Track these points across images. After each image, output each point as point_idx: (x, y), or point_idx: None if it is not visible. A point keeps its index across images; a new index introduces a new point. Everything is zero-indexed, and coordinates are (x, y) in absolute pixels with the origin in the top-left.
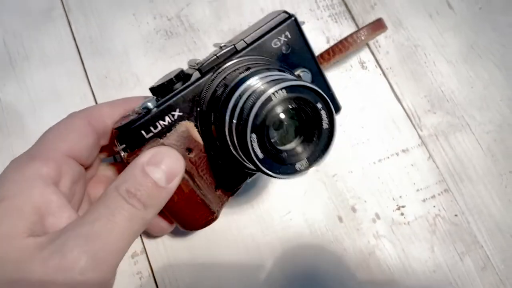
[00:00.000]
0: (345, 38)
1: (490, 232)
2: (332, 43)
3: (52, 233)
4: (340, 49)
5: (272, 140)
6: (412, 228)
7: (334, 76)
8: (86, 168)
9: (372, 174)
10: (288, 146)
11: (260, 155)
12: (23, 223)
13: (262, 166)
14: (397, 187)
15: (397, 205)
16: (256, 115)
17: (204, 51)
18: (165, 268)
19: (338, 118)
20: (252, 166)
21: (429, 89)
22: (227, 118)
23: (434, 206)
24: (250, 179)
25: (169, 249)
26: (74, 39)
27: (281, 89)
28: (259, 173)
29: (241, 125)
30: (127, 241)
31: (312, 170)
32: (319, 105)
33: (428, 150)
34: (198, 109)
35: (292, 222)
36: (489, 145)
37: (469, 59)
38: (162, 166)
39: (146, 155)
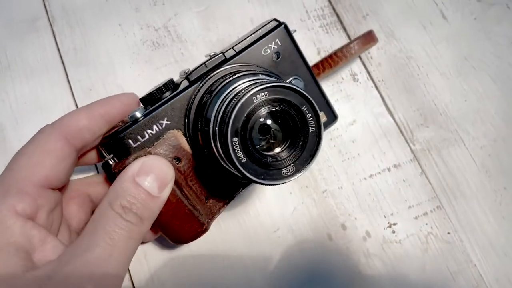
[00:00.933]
0: (335, 53)
1: (484, 251)
2: (323, 54)
3: (47, 266)
4: (330, 64)
5: (258, 146)
6: (404, 247)
7: (325, 89)
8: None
9: (363, 190)
10: (273, 151)
11: (243, 160)
12: (14, 262)
13: (245, 171)
14: (389, 203)
15: (388, 223)
16: (236, 118)
17: (192, 62)
18: (148, 286)
19: (329, 131)
20: (236, 172)
21: (422, 102)
22: (211, 124)
23: (426, 224)
24: (243, 190)
25: (152, 267)
26: (58, 50)
27: (261, 90)
28: (252, 185)
29: (223, 129)
30: (128, 260)
31: (301, 184)
32: (304, 108)
33: (421, 165)
34: (186, 117)
35: (280, 239)
36: (483, 160)
37: (463, 71)
38: (152, 175)
39: (135, 166)
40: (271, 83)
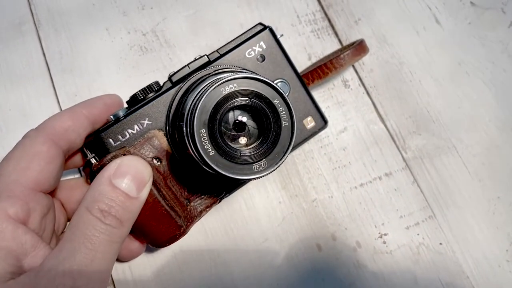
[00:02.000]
0: (325, 64)
1: (476, 262)
2: (314, 60)
3: (31, 272)
4: (319, 75)
5: (232, 142)
6: (395, 257)
7: (316, 95)
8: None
9: (353, 200)
10: (244, 145)
11: (211, 152)
12: (1, 267)
13: (213, 164)
14: (380, 213)
15: (379, 233)
16: (204, 109)
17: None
18: None
19: (319, 138)
20: (205, 167)
21: (415, 109)
22: (184, 118)
23: (418, 234)
24: (227, 195)
25: (136, 275)
26: (44, 55)
27: (230, 81)
28: (237, 190)
29: (191, 120)
30: (111, 264)
31: (290, 193)
32: (276, 101)
33: (413, 174)
34: (167, 118)
35: (268, 250)
36: (476, 169)
37: (456, 77)
38: (129, 176)
39: (111, 168)
40: (240, 73)
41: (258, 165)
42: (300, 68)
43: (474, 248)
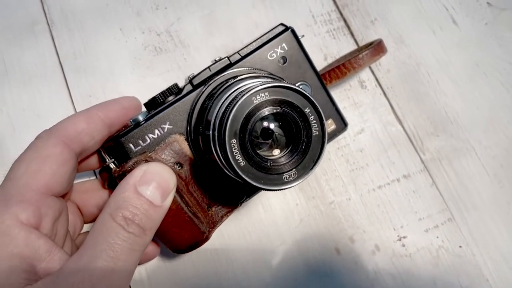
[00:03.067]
0: (343, 64)
1: (496, 265)
2: (330, 60)
3: (49, 277)
4: (337, 75)
5: (259, 150)
6: (414, 261)
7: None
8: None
9: (371, 202)
10: (274, 155)
11: (242, 163)
12: (16, 275)
13: (244, 174)
14: (398, 216)
15: (398, 236)
16: (235, 119)
17: (195, 68)
18: None
19: (337, 140)
20: (235, 177)
21: (432, 110)
22: (211, 126)
23: (437, 237)
24: (247, 199)
25: (152, 278)
26: (57, 55)
27: (261, 90)
28: (256, 194)
29: (221, 130)
30: (131, 273)
31: (307, 195)
32: (307, 110)
33: (431, 176)
34: (189, 122)
35: (285, 253)
36: (495, 171)
37: (474, 78)
38: (155, 183)
39: (136, 174)
40: (272, 83)
41: (289, 175)
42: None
43: (494, 251)
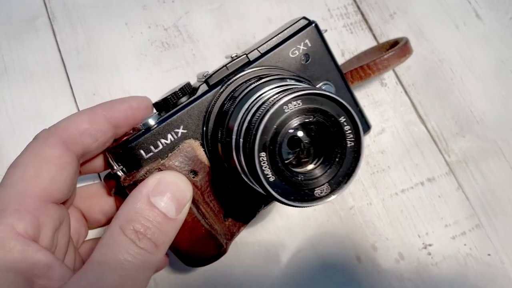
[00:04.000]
0: (367, 64)
1: None
2: (347, 56)
3: None
4: (360, 76)
5: (286, 161)
6: (441, 270)
7: None
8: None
9: (394, 207)
10: (305, 168)
11: (271, 178)
12: None
13: (273, 191)
14: (423, 222)
15: (423, 243)
16: (265, 130)
17: (204, 65)
18: None
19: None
20: (262, 192)
21: (457, 109)
22: (234, 134)
23: (465, 244)
24: (265, 207)
25: None
26: (59, 51)
27: (294, 98)
28: (274, 201)
29: (249, 142)
30: None
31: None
32: (342, 119)
33: (457, 179)
34: (205, 126)
35: (303, 262)
36: None
37: (499, 75)
38: (169, 194)
39: (150, 184)
40: (305, 90)
41: (321, 190)
42: None
43: None
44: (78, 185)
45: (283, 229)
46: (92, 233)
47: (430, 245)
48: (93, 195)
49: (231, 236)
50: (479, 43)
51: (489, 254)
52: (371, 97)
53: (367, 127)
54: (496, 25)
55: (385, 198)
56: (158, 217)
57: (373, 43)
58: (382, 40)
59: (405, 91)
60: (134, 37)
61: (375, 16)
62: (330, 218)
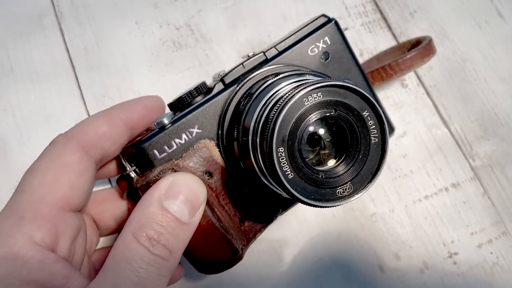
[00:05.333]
0: (389, 65)
1: None
2: (366, 56)
3: None
4: (382, 76)
5: (307, 158)
6: (467, 280)
7: None
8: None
9: (417, 214)
10: (326, 165)
11: (290, 175)
12: None
13: (292, 188)
14: (448, 229)
15: (448, 252)
16: (283, 123)
17: (218, 65)
18: None
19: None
20: (281, 192)
21: (481, 111)
22: (250, 132)
23: (492, 253)
24: (283, 212)
25: None
26: (68, 51)
27: (314, 90)
28: (293, 206)
29: (266, 136)
30: None
31: (346, 206)
32: (365, 114)
33: (482, 185)
34: (220, 125)
35: (323, 271)
36: None
37: None
38: (182, 197)
39: (162, 186)
40: (327, 81)
41: (343, 189)
42: None
43: None
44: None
45: (300, 235)
46: (102, 241)
47: (455, 253)
48: (104, 200)
49: (247, 241)
50: (503, 42)
51: None
52: (392, 99)
53: (390, 129)
54: None
55: (408, 205)
56: (171, 221)
57: (393, 43)
58: (402, 39)
59: (427, 93)
60: (144, 37)
61: (395, 15)
62: (350, 225)
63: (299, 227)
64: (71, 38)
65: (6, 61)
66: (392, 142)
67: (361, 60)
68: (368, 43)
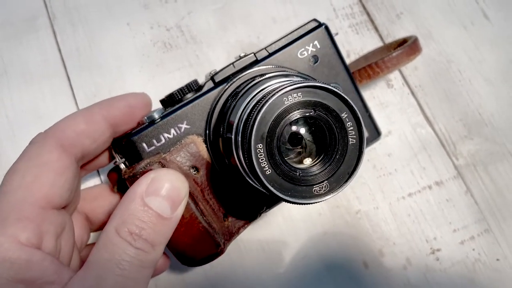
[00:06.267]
0: (376, 63)
1: None
2: (353, 57)
3: None
4: (369, 74)
5: (288, 157)
6: (449, 275)
7: None
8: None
9: (401, 211)
10: (304, 164)
11: (268, 171)
12: None
13: (269, 184)
14: (431, 226)
15: (431, 248)
16: (263, 121)
17: (208, 66)
18: None
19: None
20: (259, 186)
21: (465, 111)
22: (233, 129)
23: (474, 249)
24: (267, 209)
25: None
26: (60, 52)
27: (294, 90)
28: (278, 204)
29: (246, 132)
30: None
31: (331, 204)
32: (344, 115)
33: (465, 183)
34: (208, 122)
35: (309, 267)
36: None
37: (509, 76)
38: (163, 193)
39: (143, 183)
40: (306, 82)
41: (319, 187)
42: None
43: None
44: (82, 187)
45: (287, 233)
46: (94, 236)
47: (438, 250)
48: (97, 197)
49: (230, 236)
50: (488, 44)
51: (498, 259)
52: (377, 99)
53: (377, 134)
54: (505, 25)
55: (392, 202)
56: (153, 217)
57: (380, 44)
58: (389, 41)
59: (412, 93)
60: (136, 38)
61: (382, 17)
62: (336, 223)
63: (285, 225)
64: (64, 39)
65: (0, 61)
66: (378, 141)
67: (348, 61)
68: (355, 45)
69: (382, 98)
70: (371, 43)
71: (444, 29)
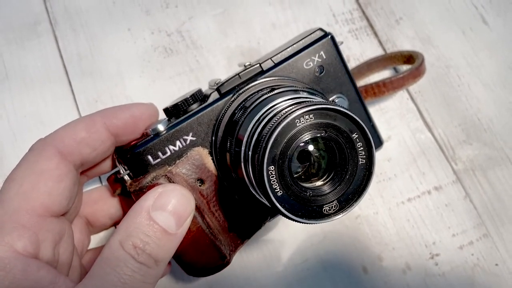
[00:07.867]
0: (383, 83)
1: None
2: (353, 63)
3: None
4: (374, 93)
5: (296, 174)
6: (448, 280)
7: None
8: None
9: (400, 216)
10: (314, 184)
11: (279, 192)
12: None
13: (280, 206)
14: (430, 231)
15: (430, 253)
16: (275, 144)
17: (209, 71)
18: None
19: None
20: (269, 206)
21: (464, 116)
22: (243, 145)
23: (472, 254)
24: (271, 219)
25: None
26: (61, 57)
27: (307, 112)
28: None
29: (258, 154)
30: None
31: None
32: (354, 136)
33: (464, 188)
34: (214, 134)
35: (309, 272)
36: None
37: (508, 82)
38: (170, 208)
39: (150, 197)
40: (319, 104)
41: (329, 207)
42: None
43: None
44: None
45: (287, 237)
46: (94, 240)
47: (437, 255)
48: (98, 200)
49: (235, 247)
50: (487, 49)
51: (496, 264)
52: (377, 105)
53: (379, 142)
54: (504, 31)
55: (392, 207)
56: (158, 232)
57: (379, 49)
58: (388, 46)
59: (412, 98)
60: (137, 43)
61: (381, 22)
62: (335, 228)
63: (286, 230)
64: (65, 45)
65: (1, 67)
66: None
67: (349, 67)
68: (355, 50)
69: (381, 103)
70: (370, 48)
71: (443, 35)
